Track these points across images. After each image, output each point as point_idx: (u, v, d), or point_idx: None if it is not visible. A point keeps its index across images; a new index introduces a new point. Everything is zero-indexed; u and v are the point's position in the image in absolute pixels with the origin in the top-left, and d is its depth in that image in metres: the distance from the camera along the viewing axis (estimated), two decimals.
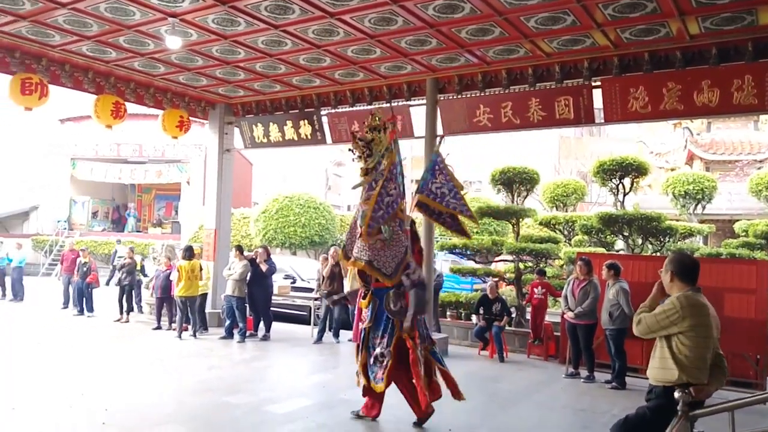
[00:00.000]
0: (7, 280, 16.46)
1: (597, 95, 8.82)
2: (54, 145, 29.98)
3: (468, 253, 11.64)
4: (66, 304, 14.41)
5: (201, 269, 11.06)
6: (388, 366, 5.76)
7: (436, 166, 6.34)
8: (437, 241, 11.45)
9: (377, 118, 6.16)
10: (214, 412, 6.24)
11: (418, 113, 10.35)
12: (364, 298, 6.11)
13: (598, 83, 8.77)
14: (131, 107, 10.98)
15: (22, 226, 32.24)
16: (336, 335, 10.77)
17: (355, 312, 6.30)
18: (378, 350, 5.87)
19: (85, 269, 13.61)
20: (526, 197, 12.21)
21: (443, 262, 15.55)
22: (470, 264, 13.39)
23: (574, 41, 8.20)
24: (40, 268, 25.53)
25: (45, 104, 9.58)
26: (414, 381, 5.76)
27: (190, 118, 11.93)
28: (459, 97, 9.81)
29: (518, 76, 9.31)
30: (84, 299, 13.62)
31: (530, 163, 12.88)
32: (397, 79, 10.18)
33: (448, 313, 11.26)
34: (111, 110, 10.36)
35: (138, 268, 13.82)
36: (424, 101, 10.05)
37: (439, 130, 9.96)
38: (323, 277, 10.89)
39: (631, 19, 7.32)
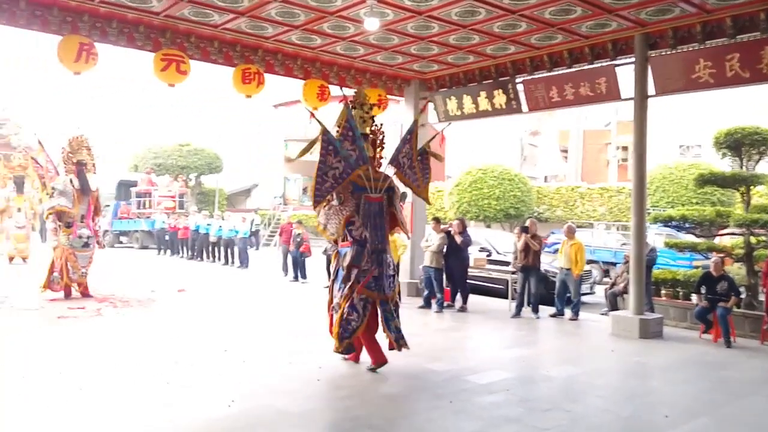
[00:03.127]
0: (235, 250, 18.73)
1: None
2: (269, 129, 33.17)
3: (686, 225, 10.51)
4: (285, 272, 15.94)
5: (394, 241, 11.45)
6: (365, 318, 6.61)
7: (409, 135, 7.01)
8: (649, 213, 10.52)
9: (362, 95, 7.01)
10: (417, 377, 6.45)
11: (624, 73, 9.53)
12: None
13: None
14: (333, 89, 11.62)
15: (245, 202, 36.42)
16: (535, 310, 10.49)
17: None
18: (336, 300, 6.76)
19: (298, 240, 14.94)
20: (758, 162, 10.63)
21: (656, 236, 14.34)
22: (689, 238, 12.15)
23: None
24: (260, 239, 28.58)
25: (261, 91, 10.54)
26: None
27: (387, 96, 12.33)
28: (674, 52, 8.83)
29: (747, 24, 8.11)
30: (298, 267, 14.99)
31: (763, 122, 11.17)
32: (601, 38, 9.44)
33: (662, 291, 10.32)
34: (317, 93, 11.07)
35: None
36: (632, 60, 9.22)
37: (651, 90, 9.08)
38: (518, 250, 10.67)
39: None
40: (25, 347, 7.29)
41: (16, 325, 8.56)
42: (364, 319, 6.64)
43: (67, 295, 11.06)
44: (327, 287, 7.27)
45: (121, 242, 27.94)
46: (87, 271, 11.28)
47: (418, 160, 7.11)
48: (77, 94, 42.30)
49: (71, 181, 11.37)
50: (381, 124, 7.22)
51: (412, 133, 7.08)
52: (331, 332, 6.82)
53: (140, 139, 36.41)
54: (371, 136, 7.03)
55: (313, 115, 7.02)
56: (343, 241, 6.78)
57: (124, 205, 27.88)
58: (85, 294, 11.19)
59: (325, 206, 6.75)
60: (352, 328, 6.59)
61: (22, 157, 20.05)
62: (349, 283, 6.64)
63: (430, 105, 12.71)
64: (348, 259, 6.65)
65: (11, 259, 17.33)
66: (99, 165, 12.28)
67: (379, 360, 6.62)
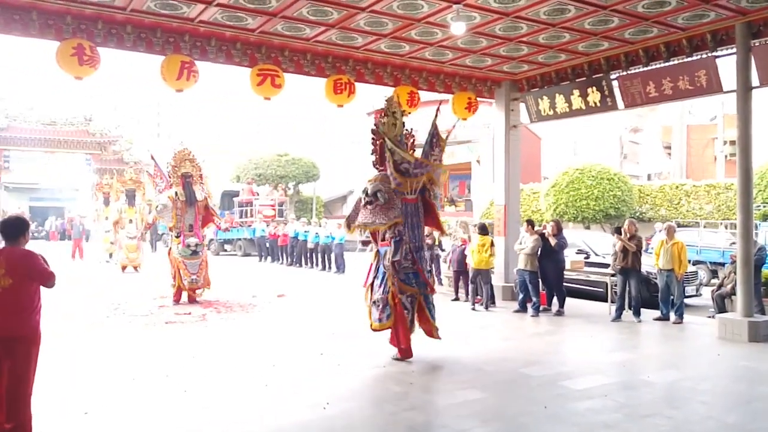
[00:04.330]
0: (332, 256, 19.25)
1: None
2: (363, 136, 33.89)
3: None
4: None
5: (492, 245, 11.36)
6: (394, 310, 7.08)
7: (433, 138, 7.42)
8: (758, 210, 9.87)
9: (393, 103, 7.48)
10: (511, 382, 6.43)
11: (726, 64, 9.01)
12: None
13: None
14: (423, 95, 11.75)
15: (341, 208, 37.30)
16: (636, 313, 10.07)
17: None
18: (376, 296, 7.20)
19: None
20: None
21: None
22: None
23: None
24: (356, 245, 29.12)
25: (353, 100, 10.84)
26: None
27: (477, 98, 12.30)
28: None
29: None
30: None
31: None
32: (699, 30, 9.01)
33: None
34: (407, 100, 11.24)
35: (436, 243, 14.81)
36: (734, 50, 8.73)
37: (755, 81, 8.54)
38: (617, 251, 10.31)
39: None
40: (135, 351, 7.83)
41: (128, 330, 9.21)
42: (413, 312, 7.27)
43: (176, 301, 11.78)
44: (368, 284, 7.54)
45: (225, 250, 29.37)
46: (198, 278, 11.77)
47: (428, 144, 7.52)
48: (183, 109, 45.17)
49: (176, 193, 12.02)
50: (411, 129, 7.71)
51: (436, 135, 7.53)
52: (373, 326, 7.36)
53: (241, 150, 38.32)
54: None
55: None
56: (382, 240, 7.31)
57: (227, 214, 29.34)
58: (192, 300, 11.85)
59: (370, 206, 7.24)
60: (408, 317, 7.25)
61: (133, 171, 21.73)
62: (394, 280, 7.12)
63: (522, 106, 12.57)
64: (390, 257, 7.13)
65: (124, 268, 18.75)
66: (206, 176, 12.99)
67: (407, 355, 7.23)
